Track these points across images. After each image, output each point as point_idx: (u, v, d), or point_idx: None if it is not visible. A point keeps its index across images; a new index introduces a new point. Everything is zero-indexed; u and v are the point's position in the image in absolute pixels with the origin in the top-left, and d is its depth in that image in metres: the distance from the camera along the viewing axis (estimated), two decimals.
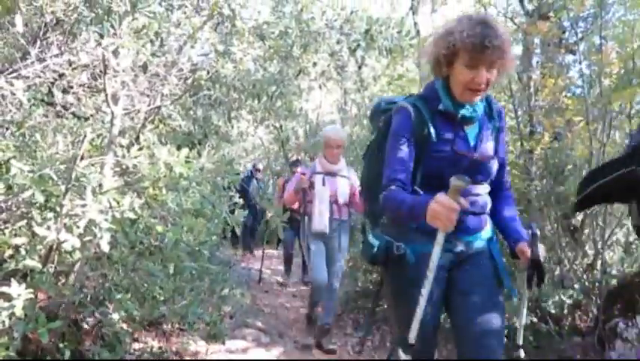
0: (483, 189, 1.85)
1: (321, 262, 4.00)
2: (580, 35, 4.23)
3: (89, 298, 2.45)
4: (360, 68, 9.55)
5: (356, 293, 5.28)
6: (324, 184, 3.96)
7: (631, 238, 3.71)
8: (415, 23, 9.60)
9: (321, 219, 3.90)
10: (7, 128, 2.69)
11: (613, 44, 3.80)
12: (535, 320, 3.27)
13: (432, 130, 1.77)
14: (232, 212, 2.67)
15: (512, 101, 4.10)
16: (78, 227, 1.87)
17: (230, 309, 3.80)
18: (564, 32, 4.46)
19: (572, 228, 4.04)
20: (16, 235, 2.12)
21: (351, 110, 11.46)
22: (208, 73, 3.07)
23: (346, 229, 4.16)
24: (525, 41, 4.72)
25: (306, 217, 4.04)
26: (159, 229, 2.35)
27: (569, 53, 4.52)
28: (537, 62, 4.80)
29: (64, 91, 3.21)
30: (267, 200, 2.67)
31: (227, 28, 3.26)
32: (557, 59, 4.43)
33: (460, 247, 1.83)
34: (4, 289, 1.79)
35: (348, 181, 4.07)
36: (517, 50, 5.12)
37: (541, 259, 1.70)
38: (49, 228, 1.92)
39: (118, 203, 2.00)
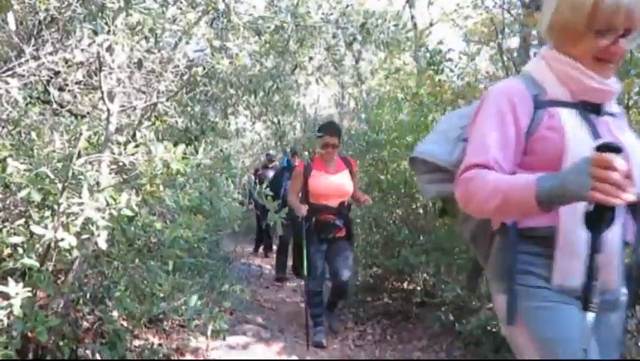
0: None
1: None
2: None
3: (88, 296, 2.46)
4: (357, 62, 9.54)
5: (356, 287, 5.28)
6: (597, 136, 1.31)
7: None
8: (412, 16, 9.59)
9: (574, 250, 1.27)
10: (3, 127, 2.68)
11: None
12: None
13: None
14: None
15: None
16: (75, 225, 1.87)
17: (230, 305, 3.81)
18: None
19: None
20: (14, 234, 2.12)
21: (348, 104, 11.46)
22: (204, 69, 3.06)
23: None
24: (522, 33, 4.72)
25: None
26: (157, 226, 2.35)
27: None
28: (534, 54, 4.79)
29: (61, 89, 3.19)
30: (264, 196, 2.63)
31: (223, 23, 3.25)
32: None
33: None
34: (2, 288, 1.79)
35: None
36: (514, 41, 5.11)
37: None
38: (46, 226, 1.91)
39: (115, 200, 1.99)
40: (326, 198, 3.97)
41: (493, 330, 3.35)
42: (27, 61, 2.62)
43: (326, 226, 3.95)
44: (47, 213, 2.15)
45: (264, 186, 2.56)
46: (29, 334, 2.08)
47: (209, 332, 2.73)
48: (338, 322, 4.77)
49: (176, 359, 3.11)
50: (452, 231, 4.75)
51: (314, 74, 4.22)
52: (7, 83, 2.35)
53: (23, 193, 1.94)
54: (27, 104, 2.70)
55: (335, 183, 3.99)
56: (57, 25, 3.02)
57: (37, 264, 1.96)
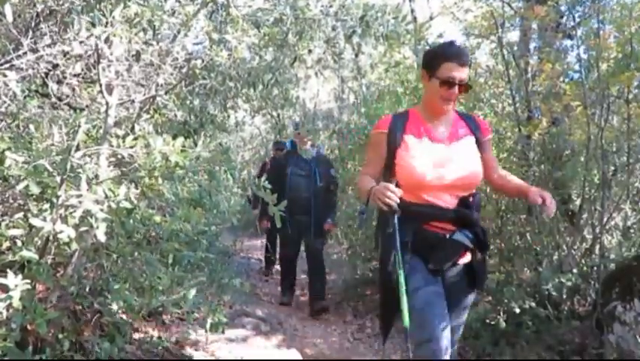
0: None
1: None
2: (577, 20, 4.20)
3: (87, 289, 2.46)
4: (357, 55, 9.50)
5: (355, 280, 5.30)
6: None
7: (629, 223, 3.72)
8: (412, 9, 9.55)
9: None
10: (1, 120, 2.67)
11: (611, 28, 3.78)
12: (533, 304, 3.29)
13: None
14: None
15: (510, 87, 4.08)
16: (74, 218, 1.86)
17: (230, 298, 3.81)
18: (562, 17, 4.43)
19: (570, 213, 4.05)
20: (13, 227, 2.11)
21: (348, 98, 11.43)
22: (203, 62, 3.04)
23: None
24: (522, 26, 4.70)
25: None
26: (156, 219, 2.34)
27: (567, 38, 4.49)
28: (534, 47, 4.78)
29: (59, 82, 3.18)
30: (262, 188, 2.57)
31: (222, 16, 3.23)
32: (555, 44, 4.41)
33: None
34: (1, 280, 1.79)
35: None
36: (514, 35, 5.09)
37: None
38: (45, 219, 1.91)
39: (114, 193, 1.99)
40: (435, 190, 2.08)
41: (492, 323, 3.36)
42: (25, 54, 2.61)
43: (437, 246, 2.08)
44: (46, 205, 2.14)
45: (263, 178, 2.54)
46: (29, 326, 2.08)
47: (208, 325, 2.74)
48: (336, 315, 4.75)
49: (174, 354, 3.12)
50: None
51: (313, 67, 4.21)
52: (5, 76, 2.34)
53: (22, 186, 1.94)
54: (25, 97, 2.69)
55: (453, 162, 2.11)
56: (55, 17, 3.00)
57: (36, 257, 1.96)
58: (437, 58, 2.11)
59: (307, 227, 4.73)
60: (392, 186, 1.89)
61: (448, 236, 2.09)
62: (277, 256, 5.82)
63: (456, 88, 2.07)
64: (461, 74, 2.06)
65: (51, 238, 2.01)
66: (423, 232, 2.07)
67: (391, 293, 1.95)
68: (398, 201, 1.88)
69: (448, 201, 2.10)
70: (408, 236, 2.01)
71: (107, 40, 2.33)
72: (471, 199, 2.14)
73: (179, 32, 2.95)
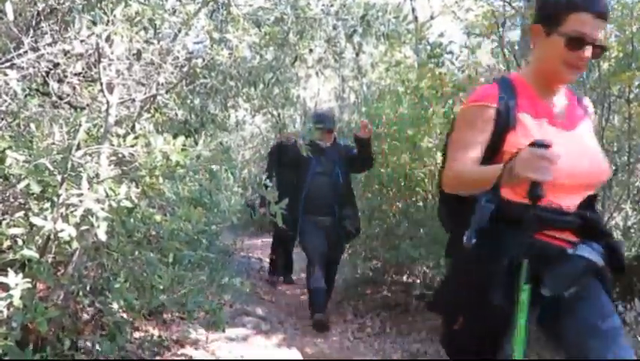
0: None
1: None
2: None
3: (87, 288, 2.46)
4: (357, 55, 9.50)
5: (356, 280, 5.30)
6: None
7: (629, 223, 3.72)
8: (413, 9, 9.55)
9: None
10: (2, 119, 2.67)
11: (612, 28, 3.78)
12: None
13: None
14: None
15: None
16: (75, 217, 1.86)
17: (230, 297, 3.81)
18: None
19: None
20: (14, 226, 2.11)
21: (349, 97, 11.44)
22: (203, 61, 3.04)
23: None
24: (523, 25, 4.70)
25: None
26: (157, 218, 2.35)
27: None
28: None
29: (60, 81, 3.18)
30: (264, 186, 2.55)
31: (223, 15, 3.23)
32: None
33: None
34: (2, 279, 1.79)
35: None
36: (515, 34, 5.09)
37: None
38: (46, 218, 1.91)
39: (114, 192, 1.99)
40: (560, 190, 1.50)
41: None
42: (26, 52, 2.61)
43: (556, 264, 1.50)
44: (47, 204, 2.15)
45: (264, 177, 2.54)
46: (29, 325, 2.08)
47: (208, 324, 2.74)
48: (337, 315, 4.76)
49: (175, 353, 3.12)
50: None
51: (314, 66, 4.21)
52: (6, 74, 2.34)
53: (22, 185, 1.94)
54: (26, 96, 2.68)
55: (582, 153, 1.58)
56: (56, 16, 3.00)
57: (37, 255, 1.96)
58: (563, 7, 1.52)
59: (331, 229, 4.37)
60: (547, 153, 1.29)
61: (571, 251, 1.52)
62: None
63: (588, 50, 1.50)
64: (596, 30, 1.50)
65: (52, 236, 2.01)
66: (537, 244, 1.48)
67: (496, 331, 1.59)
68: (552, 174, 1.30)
69: (570, 204, 1.55)
70: (515, 249, 1.44)
71: (107, 39, 2.33)
72: (594, 202, 1.65)
73: (179, 31, 2.95)
